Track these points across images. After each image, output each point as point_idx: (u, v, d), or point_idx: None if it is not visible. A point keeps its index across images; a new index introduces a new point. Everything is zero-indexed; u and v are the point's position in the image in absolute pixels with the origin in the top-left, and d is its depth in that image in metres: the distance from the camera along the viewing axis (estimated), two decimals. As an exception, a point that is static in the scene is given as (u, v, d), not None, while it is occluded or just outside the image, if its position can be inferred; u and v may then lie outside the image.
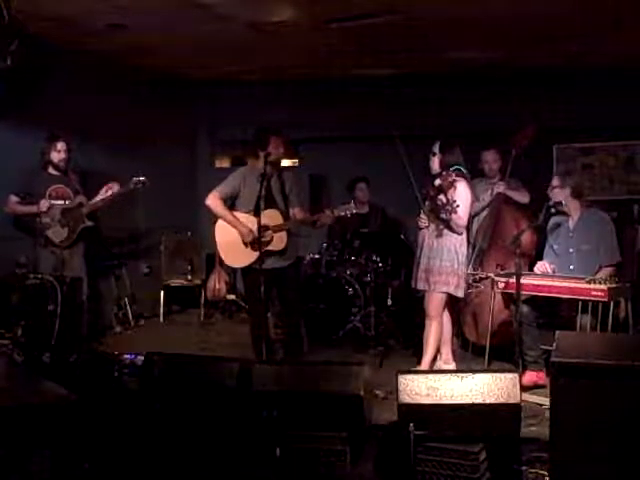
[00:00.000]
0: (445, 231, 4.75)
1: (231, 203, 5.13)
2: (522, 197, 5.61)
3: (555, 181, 4.88)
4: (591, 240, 4.75)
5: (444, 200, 4.59)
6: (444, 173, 4.72)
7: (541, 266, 4.88)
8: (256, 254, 4.82)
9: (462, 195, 4.70)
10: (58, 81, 6.11)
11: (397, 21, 5.47)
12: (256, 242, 4.84)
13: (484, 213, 5.53)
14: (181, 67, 7.30)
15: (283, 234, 5.06)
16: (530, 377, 4.60)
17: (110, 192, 5.80)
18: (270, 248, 5.01)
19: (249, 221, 4.96)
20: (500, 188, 5.38)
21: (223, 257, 5.24)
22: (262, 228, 4.85)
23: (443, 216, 4.66)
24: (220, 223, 5.14)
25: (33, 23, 5.13)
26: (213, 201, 5.08)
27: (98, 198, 5.79)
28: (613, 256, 4.74)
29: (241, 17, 5.44)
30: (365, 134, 7.64)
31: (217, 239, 5.16)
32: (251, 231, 4.92)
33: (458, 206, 4.57)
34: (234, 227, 5.03)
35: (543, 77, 6.87)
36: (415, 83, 7.30)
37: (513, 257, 5.21)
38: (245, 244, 5.01)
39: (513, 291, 4.46)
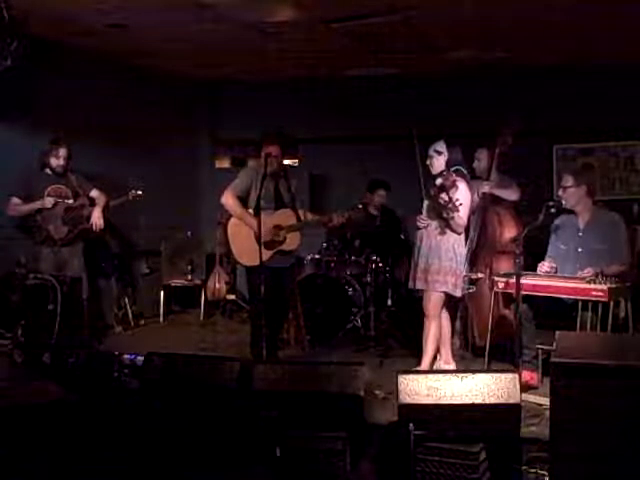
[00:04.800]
0: (445, 231, 4.75)
1: (243, 202, 5.10)
2: (510, 194, 5.49)
3: (569, 181, 4.77)
4: (604, 240, 4.70)
5: (446, 199, 4.58)
6: (445, 173, 4.72)
7: (542, 266, 4.87)
8: (270, 253, 4.85)
9: (463, 195, 4.71)
10: (58, 81, 6.11)
11: (397, 21, 5.47)
12: (272, 241, 4.87)
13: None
14: (181, 67, 7.30)
15: (297, 234, 5.07)
16: (523, 377, 4.56)
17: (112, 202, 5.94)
18: (284, 248, 5.01)
19: (264, 220, 4.80)
20: (485, 188, 5.33)
21: (236, 256, 5.16)
22: (276, 228, 4.92)
23: (445, 215, 4.65)
24: (233, 221, 5.10)
25: (33, 23, 5.13)
26: (229, 200, 5.04)
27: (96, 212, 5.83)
28: (627, 255, 4.72)
29: (241, 17, 5.44)
30: (365, 134, 7.64)
31: (230, 237, 5.13)
32: (268, 230, 4.88)
33: (461, 204, 4.57)
34: (250, 226, 4.94)
35: (543, 77, 6.87)
36: (415, 83, 7.30)
37: (500, 257, 5.26)
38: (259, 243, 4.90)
39: (513, 291, 4.46)
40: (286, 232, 4.99)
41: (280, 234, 4.97)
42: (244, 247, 5.03)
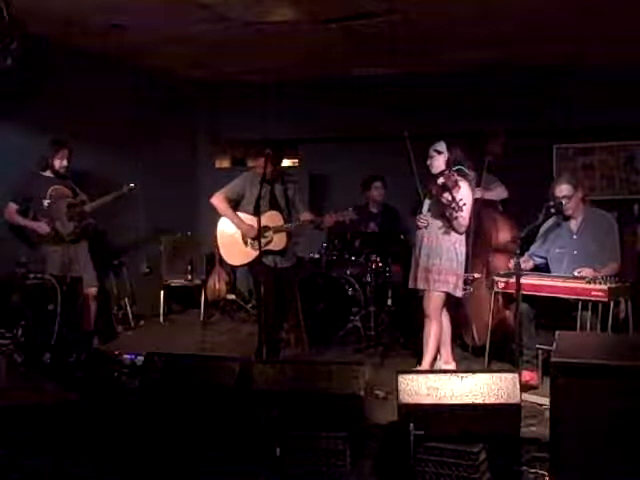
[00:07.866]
0: (448, 230, 4.74)
1: (235, 205, 5.32)
2: (499, 194, 5.65)
3: (564, 190, 4.74)
4: (598, 240, 4.72)
5: (449, 199, 4.55)
6: (446, 172, 4.70)
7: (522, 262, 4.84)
8: (255, 253, 4.99)
9: (466, 194, 4.68)
10: (58, 81, 6.10)
11: (397, 21, 5.47)
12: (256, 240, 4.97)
13: None
14: (181, 67, 7.30)
15: (283, 235, 5.24)
16: (523, 377, 4.56)
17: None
18: (270, 247, 5.18)
19: (251, 221, 5.13)
20: (477, 194, 5.37)
21: (222, 254, 5.43)
22: (263, 228, 5.05)
23: (448, 215, 4.63)
24: (222, 221, 5.32)
25: (33, 23, 5.12)
26: (218, 199, 5.30)
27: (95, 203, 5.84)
28: (619, 253, 4.73)
29: (241, 17, 5.44)
30: (365, 134, 7.64)
31: (218, 237, 5.36)
32: (252, 228, 5.08)
33: (465, 204, 4.55)
34: (236, 225, 5.22)
35: (542, 77, 6.87)
36: (415, 83, 7.30)
37: (496, 256, 5.28)
38: (245, 243, 5.21)
39: (513, 291, 4.46)
40: (273, 233, 5.19)
41: (267, 235, 5.15)
42: (230, 246, 5.29)
